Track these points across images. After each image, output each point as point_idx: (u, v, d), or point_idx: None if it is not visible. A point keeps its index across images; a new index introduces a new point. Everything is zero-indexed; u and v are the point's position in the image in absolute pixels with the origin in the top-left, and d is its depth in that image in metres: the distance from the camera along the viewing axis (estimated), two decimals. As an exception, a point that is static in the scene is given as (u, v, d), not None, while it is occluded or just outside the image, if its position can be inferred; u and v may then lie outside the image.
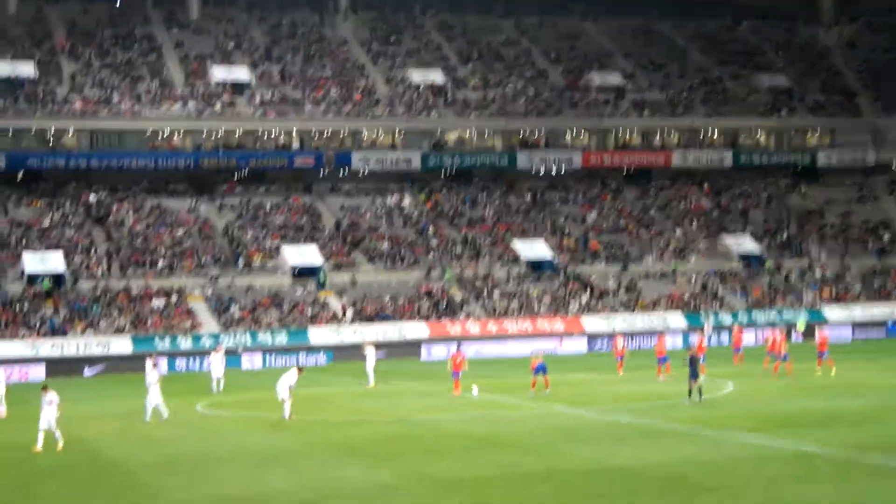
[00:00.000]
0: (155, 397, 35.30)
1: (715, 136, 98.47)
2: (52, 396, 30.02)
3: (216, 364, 46.78)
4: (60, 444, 28.74)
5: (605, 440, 27.15)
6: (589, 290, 79.78)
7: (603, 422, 31.26)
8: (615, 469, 22.78)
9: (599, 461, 23.82)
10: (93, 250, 76.37)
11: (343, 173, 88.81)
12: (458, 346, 43.53)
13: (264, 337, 69.30)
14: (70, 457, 27.84)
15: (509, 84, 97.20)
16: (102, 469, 25.70)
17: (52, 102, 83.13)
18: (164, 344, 66.37)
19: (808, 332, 70.23)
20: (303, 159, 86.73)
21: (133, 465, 26.05)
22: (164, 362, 39.11)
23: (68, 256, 74.39)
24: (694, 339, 47.25)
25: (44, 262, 72.94)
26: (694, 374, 35.11)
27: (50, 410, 29.68)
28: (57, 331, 67.25)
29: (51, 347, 65.27)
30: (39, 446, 28.88)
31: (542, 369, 40.08)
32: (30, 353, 64.39)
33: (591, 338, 73.04)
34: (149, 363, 39.13)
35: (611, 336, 59.87)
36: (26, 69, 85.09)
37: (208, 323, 70.83)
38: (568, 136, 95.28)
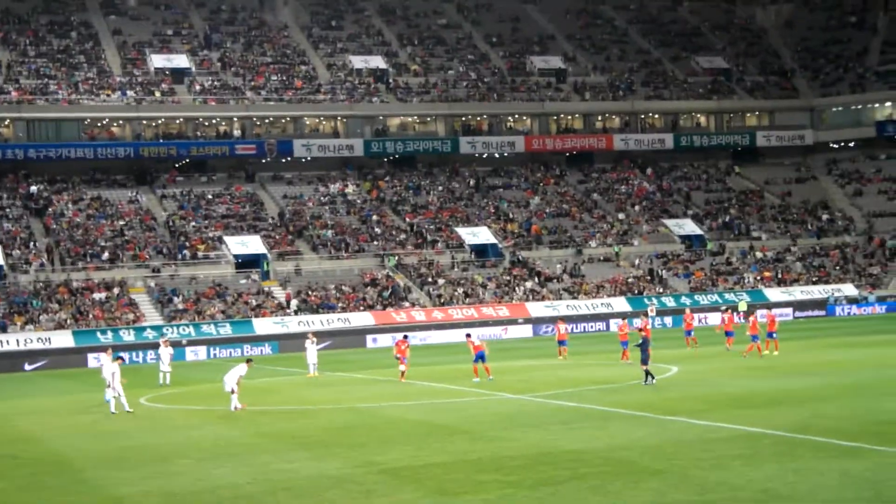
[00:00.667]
0: (117, 389, 34.90)
1: (655, 119, 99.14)
2: None
3: (164, 357, 46.39)
4: None
5: (551, 425, 27.28)
6: (534, 275, 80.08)
7: (549, 407, 31.41)
8: (562, 453, 22.90)
9: (546, 446, 23.94)
10: (32, 243, 75.49)
11: (285, 161, 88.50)
12: (405, 335, 43.44)
13: (208, 329, 68.88)
14: (14, 453, 27.51)
15: (451, 69, 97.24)
16: (48, 464, 25.43)
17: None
18: (106, 337, 65.78)
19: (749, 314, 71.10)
20: (244, 147, 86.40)
21: (79, 459, 25.81)
22: (106, 355, 38.66)
23: (6, 249, 73.45)
24: (639, 322, 47.40)
25: (-19, 255, 71.99)
26: (644, 359, 35.35)
27: None
28: (-2, 326, 66.43)
29: (-9, 342, 64.43)
30: None
31: (481, 357, 39.87)
32: (-31, 349, 63.56)
33: (537, 323, 73.36)
34: (105, 356, 38.53)
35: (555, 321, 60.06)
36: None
37: (151, 315, 70.30)
38: (510, 121, 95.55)
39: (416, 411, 31.50)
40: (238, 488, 20.91)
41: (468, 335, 42.66)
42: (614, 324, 72.79)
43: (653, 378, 35.30)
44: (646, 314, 63.47)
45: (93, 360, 64.11)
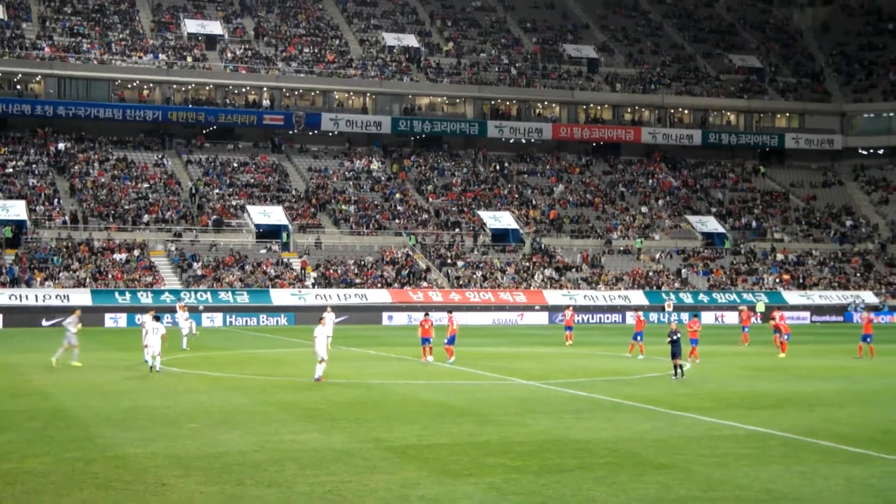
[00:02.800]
0: (155, 349, 35.64)
1: (685, 114, 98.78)
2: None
3: (182, 321, 46.72)
4: None
5: (561, 413, 27.28)
6: (553, 263, 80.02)
7: (560, 395, 31.42)
8: (569, 442, 22.92)
9: (555, 434, 23.96)
10: (56, 200, 75.81)
11: (312, 134, 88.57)
12: (427, 313, 43.55)
13: (226, 296, 69.10)
14: (24, 407, 27.71)
15: (483, 52, 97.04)
16: (56, 419, 25.60)
17: (20, 47, 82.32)
18: (124, 298, 66.09)
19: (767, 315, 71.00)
20: (272, 118, 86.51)
21: (88, 417, 25.96)
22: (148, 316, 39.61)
23: (30, 205, 73.79)
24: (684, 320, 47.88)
25: (5, 209, 72.38)
26: (674, 353, 35.39)
27: None
28: (16, 280, 66.77)
29: (9, 297, 64.82)
30: None
31: (452, 340, 40.73)
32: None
33: (553, 311, 73.33)
34: (147, 317, 38.92)
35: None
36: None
37: (170, 279, 70.56)
38: (539, 108, 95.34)
39: (427, 391, 31.54)
40: (244, 455, 21.01)
41: (451, 313, 42.58)
42: (630, 316, 72.86)
43: (682, 373, 35.38)
44: (695, 315, 63.51)
45: (109, 319, 64.53)
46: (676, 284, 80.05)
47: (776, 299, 78.38)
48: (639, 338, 44.96)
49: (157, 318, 37.83)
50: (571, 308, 56.83)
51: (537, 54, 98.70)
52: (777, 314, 50.28)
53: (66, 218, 73.89)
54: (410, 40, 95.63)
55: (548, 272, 78.53)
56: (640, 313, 48.98)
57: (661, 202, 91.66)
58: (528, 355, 46.09)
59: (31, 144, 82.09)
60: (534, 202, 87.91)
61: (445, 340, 41.01)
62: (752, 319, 57.19)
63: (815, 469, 20.28)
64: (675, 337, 35.59)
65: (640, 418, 26.60)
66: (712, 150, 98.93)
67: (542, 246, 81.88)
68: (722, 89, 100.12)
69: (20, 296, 65.34)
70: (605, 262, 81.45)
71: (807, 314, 77.85)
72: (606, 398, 30.31)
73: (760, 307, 73.44)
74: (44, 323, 63.42)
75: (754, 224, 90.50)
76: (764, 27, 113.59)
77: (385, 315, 70.47)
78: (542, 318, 73.40)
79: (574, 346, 51.12)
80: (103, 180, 79.27)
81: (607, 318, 74.53)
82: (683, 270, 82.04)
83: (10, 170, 77.95)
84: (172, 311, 61.59)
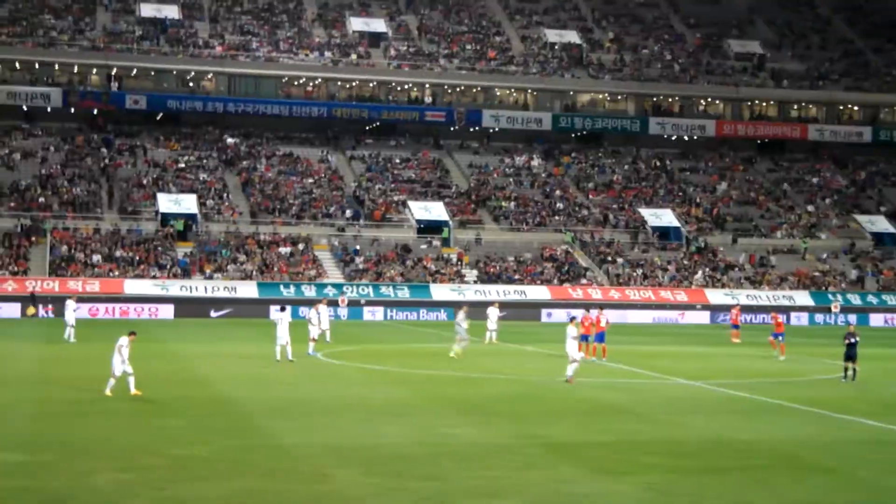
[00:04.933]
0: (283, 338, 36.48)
1: (854, 111, 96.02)
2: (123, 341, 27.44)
3: (324, 316, 47.40)
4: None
5: (722, 414, 26.89)
6: (715, 262, 78.74)
7: (722, 396, 30.95)
8: (730, 443, 22.57)
9: (715, 434, 23.61)
10: (225, 194, 77.82)
11: (473, 130, 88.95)
12: (588, 310, 43.30)
13: (386, 290, 69.88)
14: (191, 394, 28.56)
15: (645, 48, 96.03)
16: (220, 407, 26.31)
17: (193, 46, 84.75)
18: (289, 291, 67.41)
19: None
20: (434, 114, 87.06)
21: (250, 406, 26.61)
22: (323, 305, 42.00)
23: (201, 199, 75.88)
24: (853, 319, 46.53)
25: (178, 203, 74.55)
26: (849, 356, 34.59)
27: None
28: (186, 272, 68.76)
29: (180, 288, 66.77)
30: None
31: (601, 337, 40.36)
32: (160, 293, 65.98)
33: (714, 310, 72.14)
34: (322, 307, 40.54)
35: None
36: (171, 11, 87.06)
37: (333, 273, 71.72)
38: (702, 104, 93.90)
39: (586, 388, 31.38)
40: (401, 448, 21.24)
41: (601, 310, 42.16)
42: (795, 318, 71.25)
43: (849, 376, 34.53)
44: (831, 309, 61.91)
45: (274, 311, 65.96)
46: (843, 285, 77.87)
47: (950, 302, 75.61)
48: (780, 338, 43.86)
49: (283, 309, 38.45)
50: (738, 307, 56.37)
51: (700, 49, 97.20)
52: (774, 315, 47.84)
53: (239, 211, 75.75)
54: (572, 36, 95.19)
55: (709, 271, 77.26)
56: (779, 315, 47.81)
57: (827, 201, 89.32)
58: (690, 354, 45.50)
59: (202, 140, 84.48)
60: (696, 200, 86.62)
61: (593, 338, 40.54)
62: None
63: None
64: (852, 340, 34.72)
65: (805, 421, 26.03)
66: (883, 147, 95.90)
67: (704, 244, 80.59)
68: (893, 84, 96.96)
69: (190, 287, 67.27)
70: (769, 262, 79.72)
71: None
72: (770, 400, 29.73)
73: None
74: (212, 314, 65.24)
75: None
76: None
77: (544, 311, 70.34)
78: (703, 317, 72.31)
79: (738, 346, 50.26)
80: (270, 175, 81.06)
81: (772, 319, 72.86)
82: (852, 271, 79.76)
83: (183, 165, 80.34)
84: (335, 304, 62.88)
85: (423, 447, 21.38)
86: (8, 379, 31.46)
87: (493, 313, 48.40)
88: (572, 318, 35.14)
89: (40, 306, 62.28)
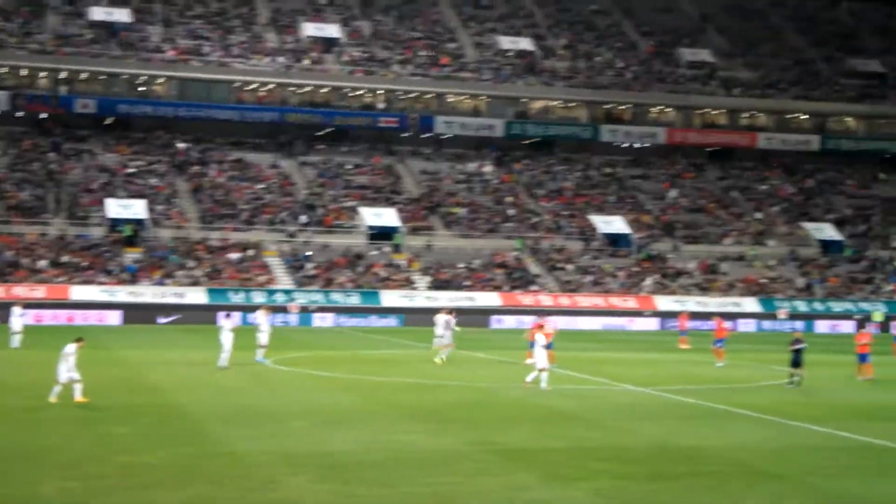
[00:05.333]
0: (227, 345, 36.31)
1: (803, 120, 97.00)
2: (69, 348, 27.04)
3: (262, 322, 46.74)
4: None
5: (671, 420, 27.01)
6: (664, 268, 79.22)
7: (670, 402, 31.10)
8: (679, 449, 22.67)
9: (664, 440, 23.71)
10: (175, 200, 77.27)
11: (425, 137, 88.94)
12: (538, 317, 43.40)
13: (337, 297, 69.69)
14: (139, 401, 28.31)
15: (598, 55, 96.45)
16: (169, 414, 26.11)
17: (144, 50, 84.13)
18: (238, 297, 67.03)
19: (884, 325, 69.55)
20: (387, 120, 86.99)
21: (199, 413, 26.42)
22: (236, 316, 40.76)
23: (151, 204, 75.30)
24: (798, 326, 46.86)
25: (126, 208, 73.94)
26: (795, 362, 34.99)
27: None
28: (134, 278, 68.18)
29: (127, 294, 66.20)
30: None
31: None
32: (107, 299, 65.38)
33: (664, 317, 72.58)
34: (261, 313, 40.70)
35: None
36: (122, 14, 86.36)
37: (282, 279, 71.42)
38: (653, 112, 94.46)
39: (536, 395, 31.43)
40: (353, 454, 21.17)
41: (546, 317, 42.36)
42: (742, 324, 71.78)
43: (794, 382, 34.93)
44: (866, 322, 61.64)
45: (223, 317, 65.54)
46: (791, 292, 78.58)
47: (895, 309, 76.48)
48: (719, 344, 44.03)
49: (228, 316, 38.38)
50: (686, 313, 56.94)
51: (653, 57, 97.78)
52: (718, 320, 47.43)
53: (185, 217, 75.23)
54: (526, 43, 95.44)
55: (658, 277, 77.72)
56: (724, 321, 47.58)
57: (776, 208, 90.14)
58: (639, 361, 45.69)
59: (153, 145, 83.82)
60: (646, 207, 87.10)
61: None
62: (873, 330, 55.52)
63: (935, 484, 19.76)
64: (799, 346, 35.06)
65: (753, 427, 26.20)
66: (831, 156, 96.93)
67: (654, 251, 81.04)
68: (842, 94, 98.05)
69: (137, 293, 66.66)
70: (717, 269, 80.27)
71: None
72: (718, 406, 29.91)
73: (878, 317, 71.86)
74: (159, 320, 64.64)
75: (873, 232, 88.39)
76: (887, 31, 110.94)
77: (494, 318, 70.40)
78: (652, 323, 72.70)
79: (686, 353, 50.56)
80: (220, 181, 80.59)
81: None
82: (800, 278, 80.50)
83: (133, 170, 79.68)
84: (284, 310, 62.59)
85: (375, 454, 21.32)
86: (-47, 385, 31.02)
87: (442, 319, 48.05)
88: (539, 326, 35.29)
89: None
